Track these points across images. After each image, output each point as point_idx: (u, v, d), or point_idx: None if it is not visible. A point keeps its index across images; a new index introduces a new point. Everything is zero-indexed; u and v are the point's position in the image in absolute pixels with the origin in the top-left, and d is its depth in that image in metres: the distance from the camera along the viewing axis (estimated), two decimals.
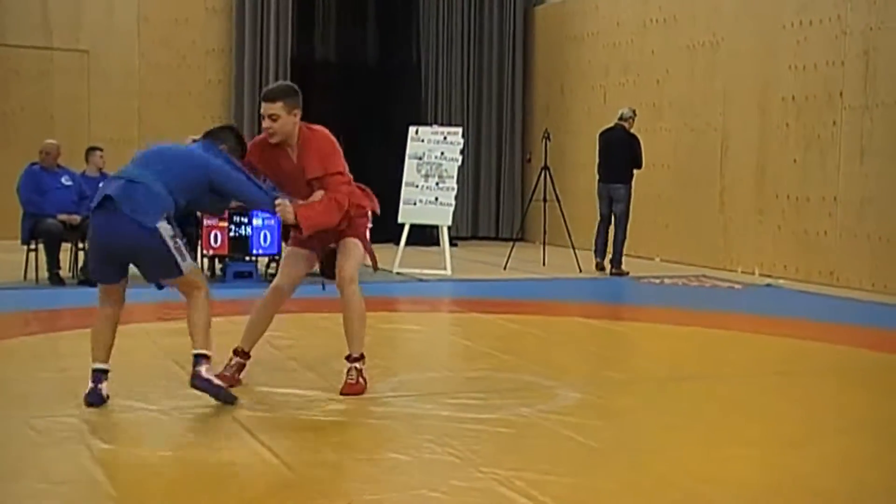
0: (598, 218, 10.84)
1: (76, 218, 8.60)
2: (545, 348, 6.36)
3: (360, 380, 4.67)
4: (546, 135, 11.26)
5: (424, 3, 14.75)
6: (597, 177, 10.86)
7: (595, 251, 10.85)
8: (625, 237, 10.59)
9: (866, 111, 9.36)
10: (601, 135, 10.86)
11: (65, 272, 8.72)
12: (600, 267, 10.72)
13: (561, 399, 4.70)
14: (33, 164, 8.86)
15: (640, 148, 10.59)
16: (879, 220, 9.26)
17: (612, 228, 10.74)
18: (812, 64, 9.94)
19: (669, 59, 12.02)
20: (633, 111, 10.83)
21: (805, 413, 4.64)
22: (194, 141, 4.76)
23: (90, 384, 4.35)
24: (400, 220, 10.60)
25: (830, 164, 9.74)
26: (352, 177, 4.82)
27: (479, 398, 4.64)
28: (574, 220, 11.62)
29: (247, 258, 9.11)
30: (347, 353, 4.71)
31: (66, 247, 8.80)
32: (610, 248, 10.63)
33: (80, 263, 8.77)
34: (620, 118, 10.75)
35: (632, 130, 10.71)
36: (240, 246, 8.98)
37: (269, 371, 5.11)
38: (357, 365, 4.70)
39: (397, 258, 10.19)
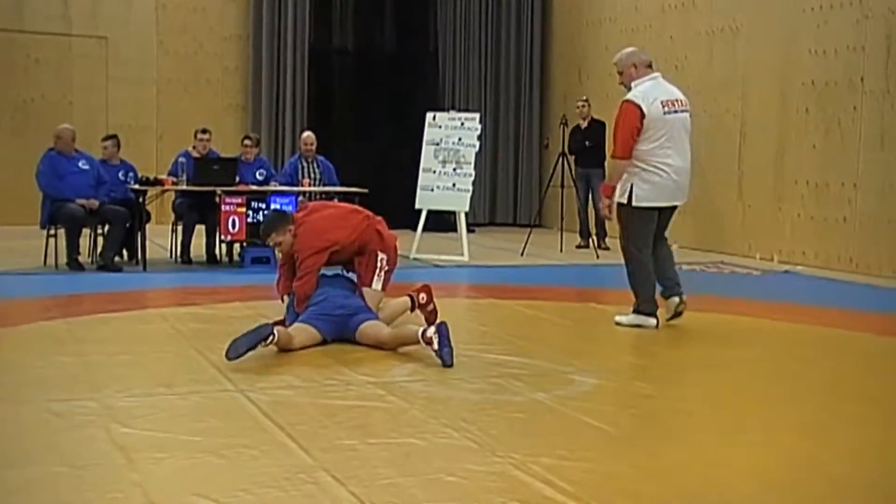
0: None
1: (95, 202, 8.63)
2: (562, 334, 6.36)
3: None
4: (563, 120, 11.23)
5: None
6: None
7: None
8: None
9: (887, 96, 9.28)
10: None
11: (84, 257, 8.76)
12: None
13: (577, 385, 4.70)
14: (50, 149, 8.87)
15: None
16: None
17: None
18: (833, 49, 9.85)
19: (688, 44, 11.94)
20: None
21: (823, 400, 4.62)
22: None
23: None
24: (417, 206, 10.60)
25: (850, 150, 9.67)
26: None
27: (496, 383, 4.65)
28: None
29: (265, 244, 9.13)
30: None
31: (85, 232, 8.84)
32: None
33: (99, 249, 8.83)
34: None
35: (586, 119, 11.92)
36: (258, 231, 8.98)
37: (288, 357, 5.13)
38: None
39: (415, 244, 10.19)
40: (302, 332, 5.30)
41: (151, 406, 4.12)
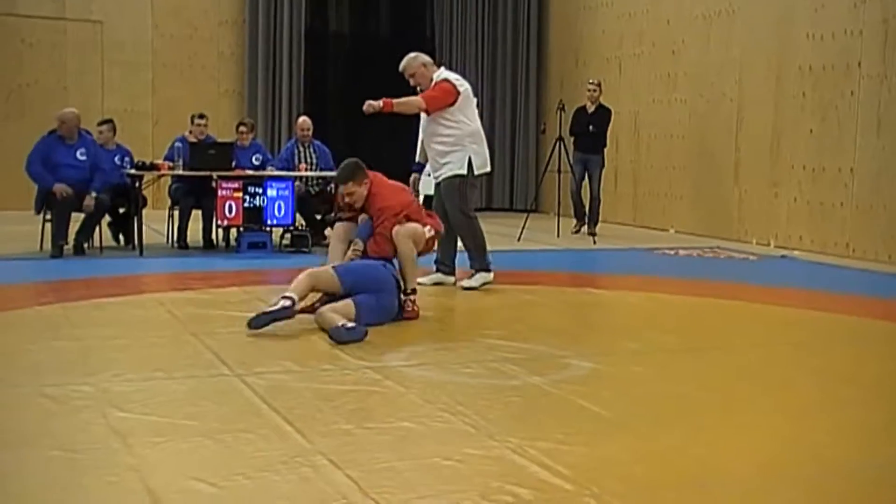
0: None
1: (69, 191, 8.35)
2: (558, 319, 6.36)
3: (414, 308, 5.78)
4: (561, 106, 11.21)
5: None
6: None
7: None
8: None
9: (884, 81, 9.27)
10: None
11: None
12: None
13: (574, 369, 4.70)
14: (52, 132, 8.61)
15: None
16: (895, 191, 9.19)
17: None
18: (830, 33, 9.83)
19: (684, 28, 11.92)
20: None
21: (819, 383, 4.63)
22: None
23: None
24: None
25: (847, 135, 9.66)
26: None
27: (493, 368, 4.65)
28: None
29: (261, 229, 9.13)
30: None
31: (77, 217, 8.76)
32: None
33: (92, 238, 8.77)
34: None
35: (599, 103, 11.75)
36: (254, 216, 9.00)
37: (285, 341, 5.13)
38: (411, 297, 5.77)
39: None
40: (329, 280, 5.50)
41: (148, 390, 4.12)
